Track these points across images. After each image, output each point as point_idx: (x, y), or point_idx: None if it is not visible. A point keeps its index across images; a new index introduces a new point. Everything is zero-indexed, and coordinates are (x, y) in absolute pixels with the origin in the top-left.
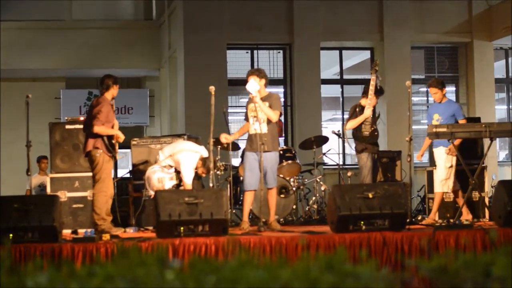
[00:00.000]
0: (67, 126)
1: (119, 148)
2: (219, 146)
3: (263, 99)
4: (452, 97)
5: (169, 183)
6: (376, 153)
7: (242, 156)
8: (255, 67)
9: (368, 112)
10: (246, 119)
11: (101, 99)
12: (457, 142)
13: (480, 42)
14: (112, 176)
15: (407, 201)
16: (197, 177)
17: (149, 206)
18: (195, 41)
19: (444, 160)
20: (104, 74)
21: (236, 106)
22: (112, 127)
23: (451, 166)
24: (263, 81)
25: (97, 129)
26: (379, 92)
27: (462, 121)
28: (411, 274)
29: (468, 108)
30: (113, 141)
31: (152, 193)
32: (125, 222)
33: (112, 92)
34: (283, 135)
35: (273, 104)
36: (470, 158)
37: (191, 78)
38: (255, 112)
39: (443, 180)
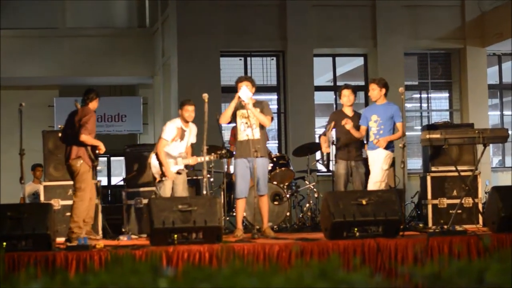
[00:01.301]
0: (61, 134)
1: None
2: (213, 154)
3: (254, 105)
4: (446, 103)
5: (173, 168)
6: (354, 160)
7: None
8: (249, 74)
9: (325, 149)
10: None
11: (87, 110)
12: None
13: (473, 48)
14: (94, 181)
15: (400, 208)
16: (191, 183)
17: (143, 213)
18: (189, 48)
19: (382, 162)
20: (98, 82)
21: None
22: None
23: (387, 169)
24: (254, 89)
25: (84, 137)
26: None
27: (399, 124)
28: (405, 281)
29: (462, 114)
30: (97, 151)
31: (158, 177)
32: (119, 230)
33: (94, 104)
34: (277, 141)
35: (265, 110)
36: (463, 164)
37: (185, 86)
38: (246, 118)
39: (377, 182)
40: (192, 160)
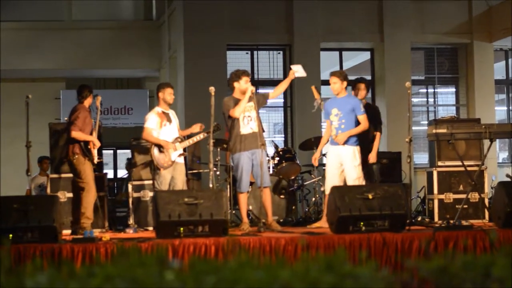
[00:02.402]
0: None
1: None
2: (219, 147)
3: (256, 98)
4: (452, 98)
5: (174, 154)
6: None
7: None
8: (255, 68)
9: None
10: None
11: (79, 107)
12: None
13: (480, 43)
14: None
15: (407, 202)
16: (197, 177)
17: (149, 206)
18: (195, 41)
19: (352, 159)
20: (104, 74)
21: None
22: (91, 133)
23: (359, 164)
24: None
25: (74, 134)
26: None
27: (361, 117)
28: (411, 275)
29: (468, 109)
30: (89, 147)
31: (162, 167)
32: (125, 223)
33: (89, 100)
34: (284, 135)
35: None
36: (470, 159)
37: (191, 79)
38: (252, 111)
39: (356, 179)
40: (190, 142)
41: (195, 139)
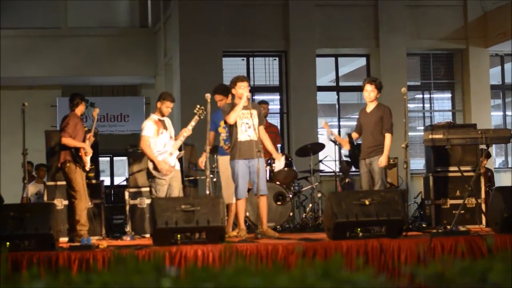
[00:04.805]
0: None
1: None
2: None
3: (252, 107)
4: (448, 103)
5: (172, 159)
6: (367, 157)
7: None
8: (251, 74)
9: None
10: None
11: (70, 114)
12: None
13: (475, 48)
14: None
15: (403, 208)
16: (194, 184)
17: (146, 213)
18: (191, 48)
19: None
20: (100, 82)
21: None
22: (84, 140)
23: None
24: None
25: (65, 140)
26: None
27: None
28: (408, 281)
29: (464, 115)
30: (80, 154)
31: (162, 176)
32: (122, 230)
33: (81, 108)
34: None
35: (261, 116)
36: (466, 164)
37: (187, 86)
38: (249, 119)
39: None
40: (182, 137)
41: (186, 132)
